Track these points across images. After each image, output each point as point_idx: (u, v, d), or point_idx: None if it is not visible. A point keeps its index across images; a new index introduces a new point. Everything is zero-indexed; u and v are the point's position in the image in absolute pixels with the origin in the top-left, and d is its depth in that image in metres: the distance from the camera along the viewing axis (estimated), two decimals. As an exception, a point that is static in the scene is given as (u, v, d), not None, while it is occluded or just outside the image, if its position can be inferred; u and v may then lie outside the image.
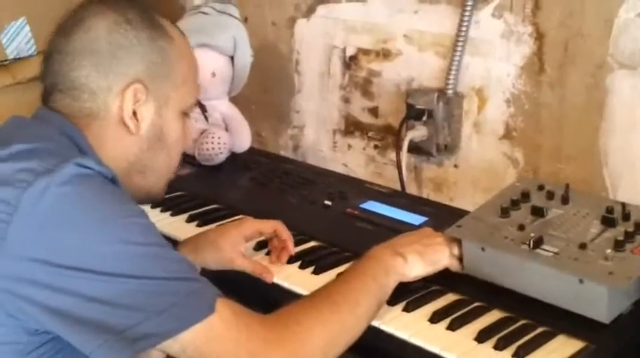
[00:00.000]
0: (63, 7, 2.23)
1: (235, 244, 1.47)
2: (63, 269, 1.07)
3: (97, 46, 1.24)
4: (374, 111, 2.17)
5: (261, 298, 1.51)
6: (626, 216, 1.37)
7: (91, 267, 1.07)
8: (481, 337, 1.25)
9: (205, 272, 1.46)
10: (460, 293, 1.39)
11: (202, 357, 1.10)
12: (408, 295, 1.37)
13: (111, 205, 1.12)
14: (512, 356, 1.21)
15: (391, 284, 1.32)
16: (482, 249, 1.36)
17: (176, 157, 1.34)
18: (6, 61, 2.12)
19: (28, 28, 2.12)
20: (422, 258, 1.36)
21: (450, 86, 1.95)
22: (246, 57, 2.07)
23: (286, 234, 1.51)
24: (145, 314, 1.07)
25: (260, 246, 1.57)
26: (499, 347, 1.23)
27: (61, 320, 1.07)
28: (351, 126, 2.23)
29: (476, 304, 1.35)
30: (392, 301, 1.36)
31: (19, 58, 2.14)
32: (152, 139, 1.27)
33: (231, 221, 1.61)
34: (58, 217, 1.08)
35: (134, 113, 1.25)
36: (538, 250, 1.31)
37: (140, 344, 1.07)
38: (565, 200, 1.44)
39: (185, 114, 1.32)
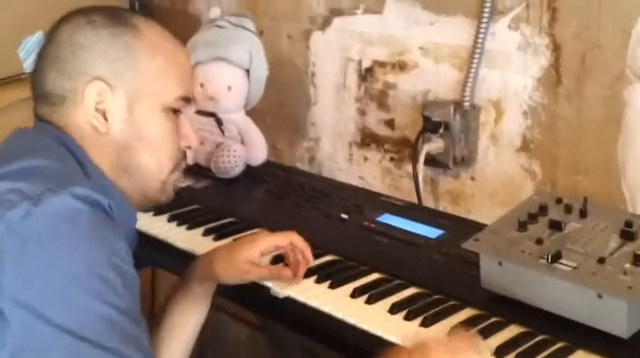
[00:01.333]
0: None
1: (250, 259, 1.45)
2: (20, 307, 1.01)
3: (61, 50, 1.24)
4: (390, 124, 2.16)
5: (277, 313, 1.52)
6: (645, 230, 1.36)
7: (42, 311, 1.00)
8: (499, 352, 1.24)
9: (222, 287, 1.47)
10: (477, 307, 1.38)
11: None
12: (426, 310, 1.37)
13: (86, 251, 1.05)
14: (531, 371, 1.21)
15: None
16: (500, 263, 1.35)
17: (166, 155, 1.27)
18: (23, 74, 2.14)
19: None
20: None
21: (466, 98, 1.94)
22: (261, 70, 2.07)
23: (302, 244, 1.49)
24: None
25: (276, 260, 1.55)
26: (518, 362, 1.22)
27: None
28: (367, 139, 2.22)
29: (493, 319, 1.34)
30: (409, 316, 1.35)
31: (36, 72, 2.16)
32: (128, 137, 1.24)
33: (246, 235, 1.60)
34: (31, 248, 1.03)
35: (103, 112, 1.22)
36: (556, 264, 1.30)
37: None
38: (583, 213, 1.43)
39: (172, 111, 1.27)
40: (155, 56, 1.26)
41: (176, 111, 1.28)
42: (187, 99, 1.30)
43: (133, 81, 1.23)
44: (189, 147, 1.33)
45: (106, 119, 1.22)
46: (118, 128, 1.23)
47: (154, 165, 1.27)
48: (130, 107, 1.23)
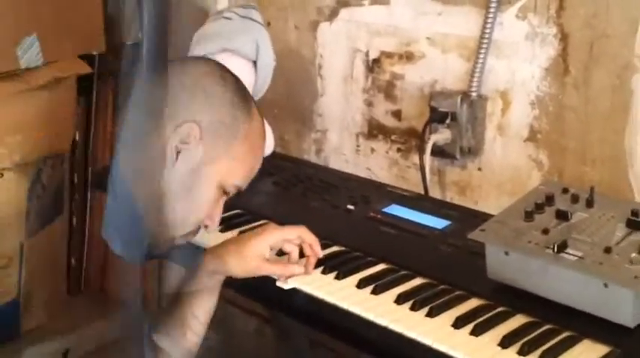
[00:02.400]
0: (68, 24, 2.43)
1: (260, 253, 1.44)
2: None
3: (184, 79, 1.31)
4: (397, 115, 2.16)
5: (284, 305, 1.52)
6: (652, 219, 1.35)
7: None
8: (505, 342, 1.24)
9: (231, 280, 1.47)
10: (484, 298, 1.38)
11: None
12: (432, 300, 1.37)
13: None
14: (537, 361, 1.20)
15: None
16: (506, 253, 1.35)
17: (195, 218, 1.36)
18: (20, 70, 2.27)
19: (37, 42, 2.29)
20: None
21: (473, 89, 1.94)
22: (269, 61, 2.06)
23: (311, 238, 1.49)
24: None
25: (283, 252, 1.55)
26: (523, 352, 1.22)
27: None
28: (375, 130, 2.22)
29: (499, 309, 1.34)
30: (415, 306, 1.35)
31: (30, 68, 2.30)
32: (181, 184, 1.30)
33: (254, 227, 1.60)
34: None
35: (179, 151, 1.29)
36: (562, 254, 1.30)
37: None
38: (590, 203, 1.42)
39: (222, 191, 1.35)
40: (247, 146, 1.37)
41: (224, 193, 1.38)
42: (239, 191, 1.41)
43: (218, 148, 1.32)
44: (206, 227, 1.42)
45: (176, 158, 1.30)
46: (180, 172, 1.31)
47: (182, 219, 1.35)
48: (200, 164, 1.31)
